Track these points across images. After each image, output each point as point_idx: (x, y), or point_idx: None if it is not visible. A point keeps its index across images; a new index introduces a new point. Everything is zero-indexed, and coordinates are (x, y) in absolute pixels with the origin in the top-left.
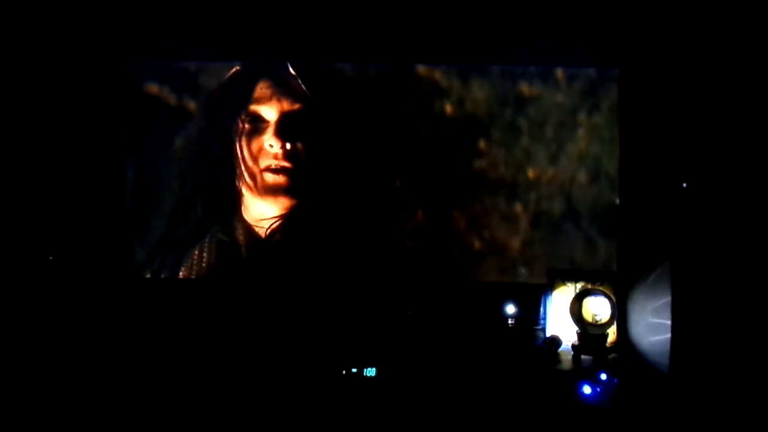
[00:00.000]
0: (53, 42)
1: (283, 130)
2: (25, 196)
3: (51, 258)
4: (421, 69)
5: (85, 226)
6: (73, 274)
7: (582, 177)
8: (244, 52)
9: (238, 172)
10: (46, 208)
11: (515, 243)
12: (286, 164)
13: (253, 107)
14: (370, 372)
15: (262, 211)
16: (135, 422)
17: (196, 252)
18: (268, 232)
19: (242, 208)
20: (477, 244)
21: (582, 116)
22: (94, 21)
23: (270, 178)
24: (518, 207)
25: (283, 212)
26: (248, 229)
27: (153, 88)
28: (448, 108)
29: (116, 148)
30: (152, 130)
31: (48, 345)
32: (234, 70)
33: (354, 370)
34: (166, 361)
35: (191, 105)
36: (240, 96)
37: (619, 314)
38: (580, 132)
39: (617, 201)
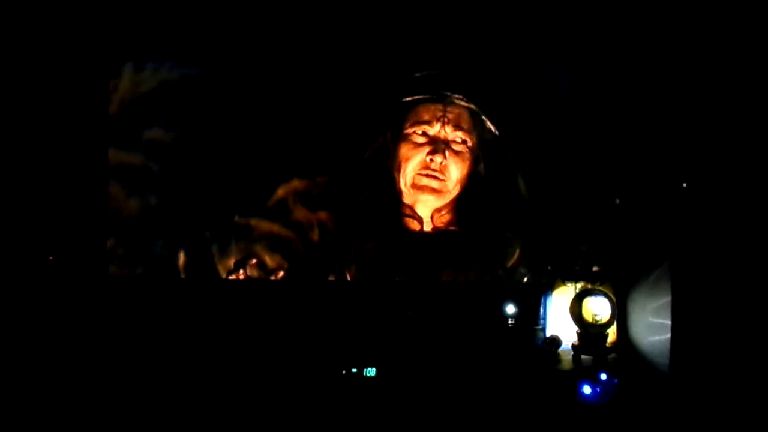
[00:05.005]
0: (45, 42)
1: None
2: (12, 198)
3: (51, 258)
4: None
5: (74, 230)
6: (55, 275)
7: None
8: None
9: None
10: (33, 210)
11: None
12: None
13: None
14: (370, 372)
15: None
16: (138, 422)
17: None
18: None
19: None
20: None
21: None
22: (88, 21)
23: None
24: None
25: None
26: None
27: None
28: None
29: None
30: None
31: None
32: None
33: (354, 370)
34: (165, 361)
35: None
36: None
37: (619, 314)
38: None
39: (617, 201)
